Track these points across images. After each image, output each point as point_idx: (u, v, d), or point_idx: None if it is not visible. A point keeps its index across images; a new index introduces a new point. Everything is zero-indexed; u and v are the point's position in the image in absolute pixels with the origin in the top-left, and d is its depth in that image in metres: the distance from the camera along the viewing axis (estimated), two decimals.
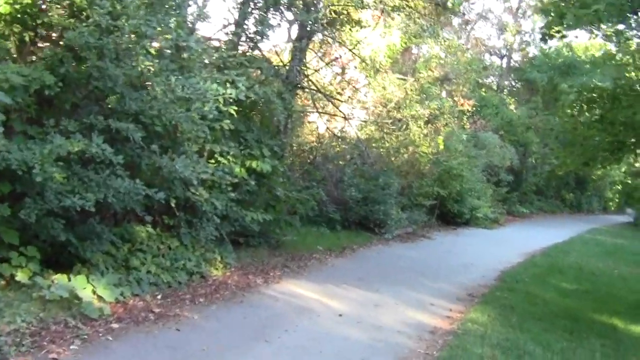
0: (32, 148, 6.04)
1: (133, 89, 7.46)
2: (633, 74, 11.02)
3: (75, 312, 6.34)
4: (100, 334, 6.07)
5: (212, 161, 9.41)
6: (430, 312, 8.97)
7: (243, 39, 11.41)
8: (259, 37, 11.25)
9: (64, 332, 5.89)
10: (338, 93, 15.41)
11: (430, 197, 19.80)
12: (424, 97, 18.87)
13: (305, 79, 13.99)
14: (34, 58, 7.01)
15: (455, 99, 22.17)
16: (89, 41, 6.56)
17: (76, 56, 6.87)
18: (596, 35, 10.52)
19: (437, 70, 21.14)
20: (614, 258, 18.41)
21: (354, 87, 16.13)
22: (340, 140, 16.71)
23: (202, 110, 7.64)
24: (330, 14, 13.28)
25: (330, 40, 14.84)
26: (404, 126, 17.77)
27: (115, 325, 6.36)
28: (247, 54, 11.30)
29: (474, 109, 24.98)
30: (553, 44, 30.62)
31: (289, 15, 12.75)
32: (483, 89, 32.14)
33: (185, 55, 8.21)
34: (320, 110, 15.19)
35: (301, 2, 12.29)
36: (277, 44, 14.60)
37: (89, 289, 6.78)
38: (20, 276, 6.39)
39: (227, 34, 11.38)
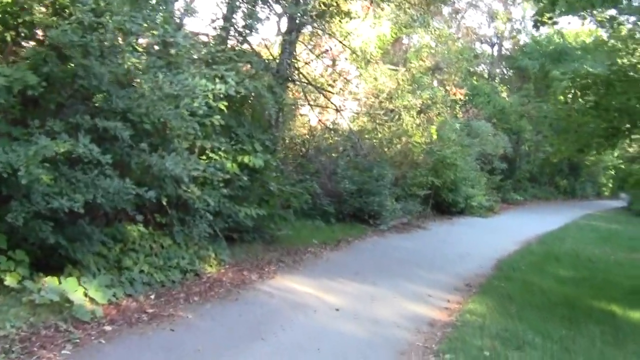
0: (17, 150, 5.89)
1: (120, 87, 7.31)
2: (625, 59, 10.96)
3: (67, 315, 6.23)
4: (93, 338, 5.95)
5: (203, 158, 9.29)
6: (427, 304, 8.91)
7: (232, 33, 11.30)
8: (248, 31, 11.16)
9: (55, 336, 5.78)
10: (329, 85, 15.29)
11: (424, 187, 19.73)
12: (415, 87, 18.76)
13: (296, 72, 13.87)
14: (16, 58, 6.85)
15: (447, 88, 22.06)
16: (73, 39, 6.41)
17: (60, 55, 6.71)
18: (590, 21, 10.45)
19: (429, 60, 21.05)
20: (610, 244, 18.44)
21: (345, 78, 16.00)
22: (332, 132, 16.61)
23: (191, 106, 7.52)
24: (320, 5, 13.13)
25: (320, 32, 14.71)
26: (397, 116, 17.69)
27: (107, 328, 6.25)
28: (236, 48, 11.20)
29: (466, 97, 24.93)
30: (544, 31, 30.56)
31: (278, 8, 12.61)
32: (475, 78, 32.05)
33: (172, 51, 8.05)
34: (311, 102, 15.07)
35: None
36: (267, 37, 14.47)
37: (81, 292, 6.65)
38: (9, 280, 6.25)
39: (215, 28, 11.22)
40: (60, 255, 6.93)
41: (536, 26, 10.90)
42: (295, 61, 13.67)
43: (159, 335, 6.33)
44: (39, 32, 7.03)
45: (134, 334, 6.28)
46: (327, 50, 15.70)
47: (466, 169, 22.68)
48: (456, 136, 22.22)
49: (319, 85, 14.92)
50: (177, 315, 7.01)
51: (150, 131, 7.74)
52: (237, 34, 11.27)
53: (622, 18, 10.15)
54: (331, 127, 16.35)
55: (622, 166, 27.56)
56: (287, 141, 15.55)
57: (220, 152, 9.64)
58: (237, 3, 11.15)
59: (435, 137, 20.01)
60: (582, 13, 10.26)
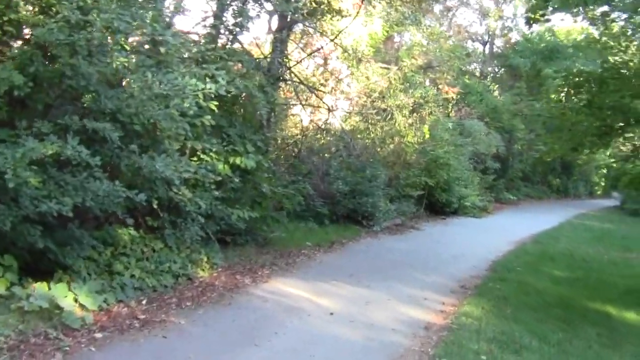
0: (4, 152, 5.72)
1: (108, 87, 7.17)
2: (617, 57, 10.89)
3: (56, 322, 6.08)
4: (83, 345, 5.81)
5: (194, 159, 9.15)
6: (423, 307, 8.78)
7: (222, 31, 11.14)
8: (238, 30, 10.99)
9: (44, 344, 5.63)
10: (321, 84, 15.19)
11: (417, 188, 19.65)
12: (407, 85, 18.63)
13: (287, 71, 13.74)
14: (2, 57, 6.68)
15: (440, 86, 22.00)
16: (59, 38, 6.24)
17: (47, 54, 6.57)
18: (582, 19, 10.38)
19: (420, 58, 20.90)
20: (604, 243, 18.43)
21: (336, 77, 15.91)
22: (324, 132, 16.49)
23: (181, 106, 7.34)
24: (311, 3, 12.99)
25: (311, 30, 14.60)
26: (389, 116, 17.57)
27: (98, 335, 6.10)
28: (227, 47, 11.05)
29: (459, 96, 24.87)
30: (535, 28, 30.59)
31: (269, 6, 12.45)
32: (466, 76, 32.01)
33: (162, 50, 7.87)
34: (303, 102, 14.95)
35: None
36: (258, 36, 14.40)
37: (70, 298, 6.50)
38: None
39: (205, 27, 11.09)
40: (50, 260, 6.80)
41: (528, 24, 10.84)
42: (286, 60, 13.55)
43: (151, 342, 6.18)
44: (26, 31, 6.88)
45: (125, 341, 6.13)
46: (319, 49, 15.57)
47: (459, 169, 22.62)
48: (449, 135, 22.13)
49: (310, 84, 14.81)
50: (169, 321, 6.86)
51: (140, 132, 7.59)
52: (227, 32, 11.12)
53: (614, 15, 10.08)
54: (323, 127, 16.22)
55: (615, 165, 27.62)
56: (279, 141, 15.40)
57: (211, 153, 9.50)
58: (227, 1, 11.00)
59: (427, 136, 19.90)
60: (575, 10, 10.18)
